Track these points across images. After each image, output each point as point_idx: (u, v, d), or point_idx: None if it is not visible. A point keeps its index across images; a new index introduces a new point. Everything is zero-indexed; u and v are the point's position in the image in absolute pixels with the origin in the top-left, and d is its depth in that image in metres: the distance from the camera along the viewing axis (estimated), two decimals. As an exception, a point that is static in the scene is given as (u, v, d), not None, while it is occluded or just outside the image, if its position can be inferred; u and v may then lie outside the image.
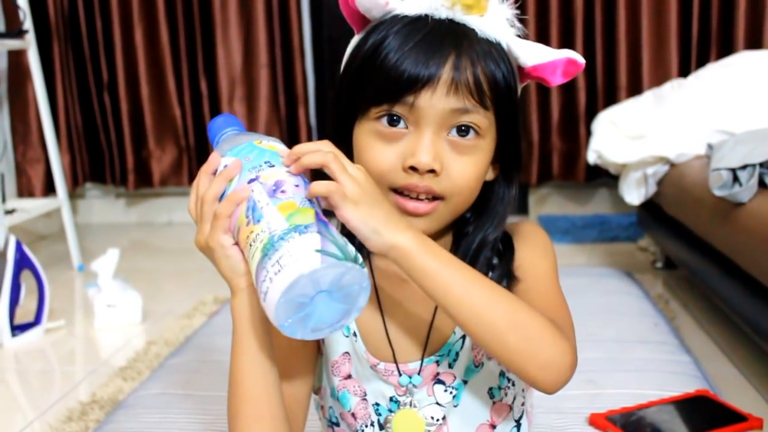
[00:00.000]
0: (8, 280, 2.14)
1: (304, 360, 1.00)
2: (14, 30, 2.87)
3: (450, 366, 0.97)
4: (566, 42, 3.29)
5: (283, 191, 0.77)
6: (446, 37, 0.85)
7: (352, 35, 0.94)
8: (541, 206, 3.62)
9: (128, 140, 3.60)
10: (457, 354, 0.96)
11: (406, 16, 0.88)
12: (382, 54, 0.86)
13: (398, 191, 0.89)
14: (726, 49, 3.13)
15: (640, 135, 2.36)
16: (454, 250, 0.98)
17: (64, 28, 3.52)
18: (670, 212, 2.30)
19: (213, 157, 0.85)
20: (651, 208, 2.49)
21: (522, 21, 0.92)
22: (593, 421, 1.41)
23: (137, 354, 1.99)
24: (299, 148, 0.80)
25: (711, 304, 2.21)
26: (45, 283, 2.24)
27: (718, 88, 2.35)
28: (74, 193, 3.70)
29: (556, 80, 0.89)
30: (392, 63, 0.85)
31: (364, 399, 1.00)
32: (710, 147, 2.11)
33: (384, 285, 0.99)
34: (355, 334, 0.99)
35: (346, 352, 0.99)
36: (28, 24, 2.83)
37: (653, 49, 3.23)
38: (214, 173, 0.84)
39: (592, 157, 2.52)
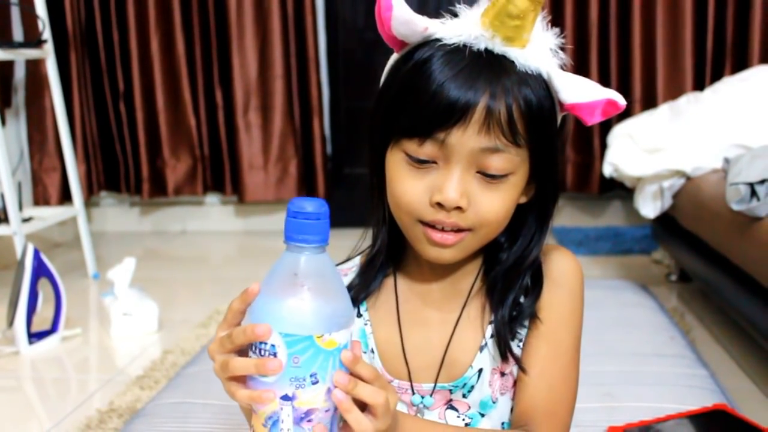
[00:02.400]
0: (26, 288, 2.14)
1: None
2: (33, 40, 2.89)
3: (464, 396, 0.97)
4: (580, 54, 3.30)
5: (309, 420, 0.75)
6: (482, 74, 0.83)
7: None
8: (555, 218, 3.59)
9: (143, 149, 3.61)
10: (472, 387, 0.97)
11: (445, 44, 0.85)
12: (417, 86, 0.85)
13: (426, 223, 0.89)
14: (741, 62, 3.13)
15: (656, 148, 2.36)
16: (484, 275, 0.98)
17: (81, 38, 3.55)
18: (685, 225, 2.30)
19: (263, 328, 0.74)
20: (666, 221, 2.48)
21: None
22: (611, 434, 1.42)
23: (154, 363, 2.00)
24: (363, 390, 0.74)
25: (727, 317, 2.21)
26: (62, 291, 2.24)
27: (735, 101, 2.34)
28: (89, 202, 3.71)
29: (594, 120, 0.87)
30: (426, 98, 0.83)
31: None
32: (727, 161, 2.11)
33: (405, 305, 1.00)
34: (372, 351, 0.99)
35: None
36: (47, 34, 2.85)
37: (668, 62, 3.23)
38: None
39: (608, 170, 2.52)
